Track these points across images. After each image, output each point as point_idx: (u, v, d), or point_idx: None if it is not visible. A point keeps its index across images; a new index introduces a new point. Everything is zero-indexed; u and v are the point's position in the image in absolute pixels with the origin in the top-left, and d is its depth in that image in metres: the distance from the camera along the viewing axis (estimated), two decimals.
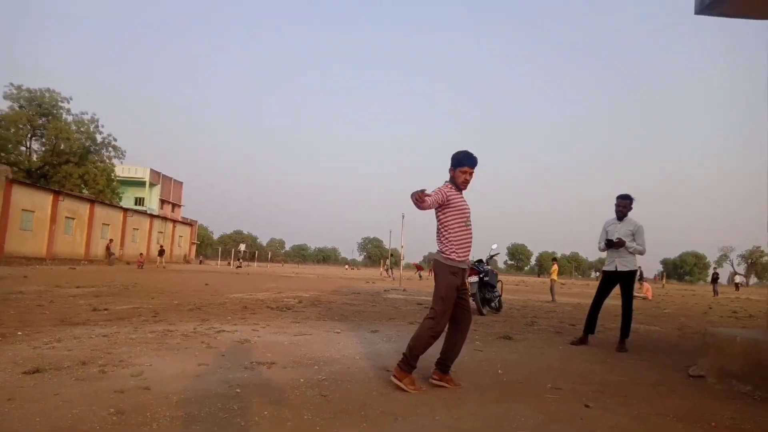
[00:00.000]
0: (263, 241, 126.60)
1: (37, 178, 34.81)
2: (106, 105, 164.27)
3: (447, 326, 3.63)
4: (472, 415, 2.95)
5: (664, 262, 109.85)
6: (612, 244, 5.75)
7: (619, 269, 5.76)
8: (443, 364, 3.61)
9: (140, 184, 53.23)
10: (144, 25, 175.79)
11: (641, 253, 5.77)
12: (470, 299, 6.17)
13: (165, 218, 48.06)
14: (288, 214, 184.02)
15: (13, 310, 6.74)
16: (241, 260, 45.24)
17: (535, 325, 7.81)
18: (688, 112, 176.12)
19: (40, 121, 36.19)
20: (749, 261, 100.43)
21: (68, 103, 37.27)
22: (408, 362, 3.47)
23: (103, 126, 38.83)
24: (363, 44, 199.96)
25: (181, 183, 62.13)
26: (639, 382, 4.00)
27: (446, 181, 3.68)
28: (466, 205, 3.65)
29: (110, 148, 39.71)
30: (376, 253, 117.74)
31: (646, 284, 20.04)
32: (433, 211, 3.63)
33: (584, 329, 6.02)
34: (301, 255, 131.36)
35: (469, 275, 8.69)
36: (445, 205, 3.56)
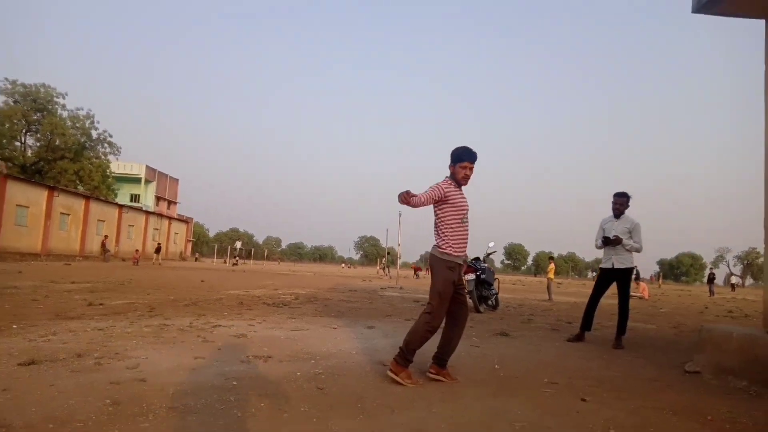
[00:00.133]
0: (259, 239, 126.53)
1: (31, 173, 34.60)
2: (101, 101, 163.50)
3: (444, 321, 3.64)
4: (468, 408, 2.95)
5: (661, 263, 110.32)
6: (609, 242, 5.76)
7: (616, 266, 5.77)
8: (440, 359, 3.61)
9: (136, 180, 52.96)
10: (141, 23, 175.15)
11: (638, 250, 5.78)
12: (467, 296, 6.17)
13: (161, 215, 47.90)
14: (284, 212, 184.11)
15: (7, 304, 6.70)
16: (237, 258, 45.16)
17: (532, 323, 7.82)
18: (686, 113, 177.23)
19: (35, 117, 35.96)
20: (745, 262, 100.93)
21: (63, 98, 37.05)
22: (404, 356, 3.47)
23: (98, 122, 38.64)
24: (362, 44, 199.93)
25: (177, 180, 61.86)
26: (635, 378, 4.01)
27: (446, 177, 3.67)
28: (465, 202, 3.65)
29: (106, 145, 39.44)
30: (372, 252, 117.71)
31: (642, 284, 20.10)
32: (431, 207, 3.63)
33: (581, 326, 6.03)
34: (297, 253, 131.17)
35: (466, 273, 8.70)
36: (443, 201, 3.55)
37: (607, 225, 5.96)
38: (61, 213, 30.15)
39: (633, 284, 11.66)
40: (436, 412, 2.82)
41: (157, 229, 44.66)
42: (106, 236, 33.64)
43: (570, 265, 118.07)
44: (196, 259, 57.41)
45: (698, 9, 5.01)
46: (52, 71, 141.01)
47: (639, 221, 5.84)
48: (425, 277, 32.70)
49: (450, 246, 3.54)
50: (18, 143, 36.94)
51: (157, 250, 33.07)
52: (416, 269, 39.56)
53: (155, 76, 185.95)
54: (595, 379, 3.86)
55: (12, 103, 35.01)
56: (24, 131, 36.53)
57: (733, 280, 46.22)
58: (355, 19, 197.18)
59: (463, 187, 3.69)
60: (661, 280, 53.95)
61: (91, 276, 14.16)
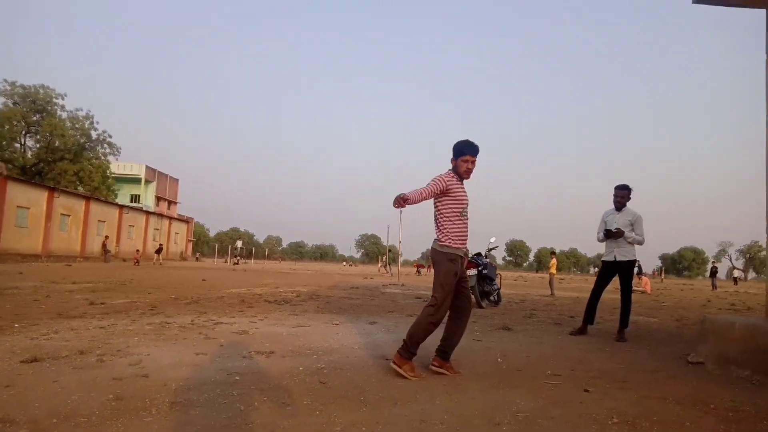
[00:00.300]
0: (260, 238, 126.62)
1: (32, 175, 34.63)
2: (100, 101, 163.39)
3: (447, 314, 3.63)
4: (471, 399, 2.94)
5: (663, 258, 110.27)
6: (611, 235, 5.75)
7: (617, 259, 5.76)
8: (443, 352, 3.61)
9: (136, 181, 52.97)
10: (141, 23, 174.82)
11: (640, 243, 5.76)
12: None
13: (161, 215, 47.94)
14: (285, 211, 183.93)
15: (9, 304, 6.71)
16: (238, 257, 45.19)
17: (534, 317, 7.82)
18: (689, 109, 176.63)
19: (35, 118, 36.00)
20: (747, 256, 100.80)
21: (63, 99, 37.12)
22: (408, 349, 3.47)
23: (98, 123, 38.71)
24: (362, 44, 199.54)
25: (177, 180, 61.89)
26: (638, 369, 4.01)
27: (449, 170, 3.67)
28: (465, 195, 3.64)
29: (105, 145, 39.53)
30: (373, 250, 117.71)
31: (644, 278, 20.05)
32: (431, 201, 3.62)
33: (583, 320, 6.02)
34: (298, 252, 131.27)
35: (468, 268, 8.69)
36: (444, 194, 3.55)
37: (608, 218, 5.94)
38: (62, 214, 30.19)
39: (635, 279, 11.65)
40: (440, 404, 2.82)
41: (157, 230, 44.71)
42: (106, 237, 33.65)
43: (572, 260, 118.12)
44: (197, 259, 57.46)
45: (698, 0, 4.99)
46: (51, 72, 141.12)
47: (641, 213, 5.82)
48: (427, 275, 32.73)
49: (450, 239, 3.54)
50: (18, 145, 37.00)
51: (158, 251, 33.11)
52: (418, 266, 39.62)
53: (155, 76, 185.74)
54: (597, 371, 3.86)
55: (11, 105, 35.02)
56: (23, 132, 36.57)
57: (736, 273, 46.08)
58: (354, 19, 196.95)
59: (464, 182, 3.69)
60: (663, 275, 53.94)
61: (92, 276, 14.17)
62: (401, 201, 3.35)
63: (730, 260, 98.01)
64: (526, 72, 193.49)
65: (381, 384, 3.21)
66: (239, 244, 53.77)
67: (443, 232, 3.56)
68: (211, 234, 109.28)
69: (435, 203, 3.63)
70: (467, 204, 3.64)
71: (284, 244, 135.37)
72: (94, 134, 38.63)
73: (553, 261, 15.84)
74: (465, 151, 3.61)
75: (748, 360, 3.81)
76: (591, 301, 6.00)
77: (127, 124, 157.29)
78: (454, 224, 3.56)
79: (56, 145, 36.18)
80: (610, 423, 2.58)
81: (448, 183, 3.53)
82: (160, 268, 24.25)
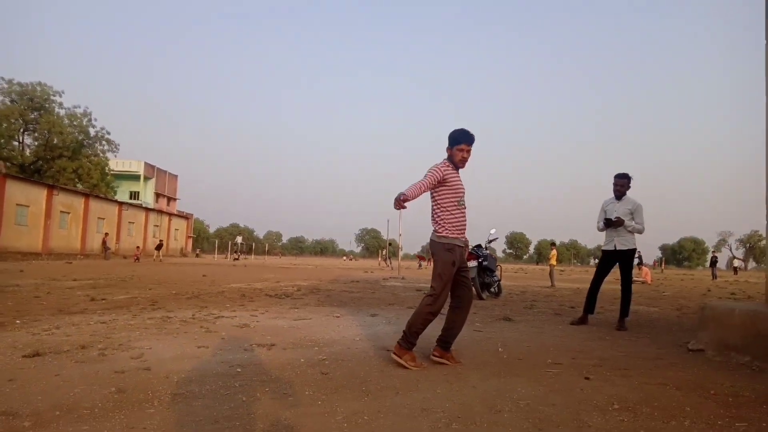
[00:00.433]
0: (260, 233, 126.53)
1: (30, 173, 34.56)
2: (98, 98, 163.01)
3: (449, 304, 3.63)
4: (473, 388, 2.95)
5: (663, 248, 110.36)
6: (611, 223, 5.74)
7: (618, 248, 5.76)
8: (444, 341, 3.62)
9: (135, 177, 52.85)
10: (140, 21, 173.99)
11: (640, 231, 5.75)
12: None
13: (161, 211, 47.89)
14: (285, 206, 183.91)
15: (10, 301, 6.71)
16: (238, 252, 45.18)
17: (535, 308, 7.83)
18: (688, 98, 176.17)
19: (32, 116, 35.86)
20: (747, 245, 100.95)
21: (60, 96, 36.95)
22: (408, 339, 3.47)
23: (96, 119, 38.59)
24: (362, 43, 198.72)
25: (176, 176, 61.74)
26: (638, 357, 4.02)
27: (444, 159, 3.65)
28: (462, 184, 3.63)
29: (104, 142, 39.39)
30: (374, 244, 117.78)
31: (645, 268, 20.08)
32: (428, 192, 3.61)
33: (584, 309, 6.03)
34: (298, 247, 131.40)
35: (468, 260, 8.69)
36: (440, 183, 3.53)
37: (608, 206, 5.93)
38: (61, 211, 30.16)
39: (635, 269, 11.67)
40: (441, 393, 2.83)
41: (157, 226, 44.69)
42: (106, 234, 33.64)
43: (572, 252, 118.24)
44: (197, 255, 57.48)
45: None
46: (51, 70, 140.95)
47: (641, 202, 5.81)
48: (427, 268, 32.75)
49: (446, 229, 3.53)
50: (16, 143, 36.88)
51: (158, 247, 33.12)
52: (420, 258, 39.61)
53: (155, 74, 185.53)
54: (598, 359, 3.87)
55: (9, 103, 34.87)
56: (21, 130, 36.44)
57: (736, 263, 46.16)
58: (354, 19, 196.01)
59: (460, 171, 3.67)
60: (663, 265, 53.99)
61: (92, 273, 14.19)
62: (401, 202, 3.35)
63: (730, 250, 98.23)
64: (523, 63, 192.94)
65: (382, 374, 3.22)
66: (239, 239, 53.67)
67: (440, 224, 3.56)
68: (211, 230, 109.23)
69: (432, 194, 3.62)
70: (464, 193, 3.63)
71: (284, 240, 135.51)
72: (92, 131, 38.53)
73: (554, 252, 15.86)
74: (460, 140, 3.59)
75: (748, 346, 3.82)
76: (591, 290, 6.00)
77: (126, 120, 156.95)
78: (452, 214, 3.55)
79: (54, 142, 36.05)
80: (610, 409, 2.59)
81: (444, 172, 3.52)
82: (160, 265, 24.27)
